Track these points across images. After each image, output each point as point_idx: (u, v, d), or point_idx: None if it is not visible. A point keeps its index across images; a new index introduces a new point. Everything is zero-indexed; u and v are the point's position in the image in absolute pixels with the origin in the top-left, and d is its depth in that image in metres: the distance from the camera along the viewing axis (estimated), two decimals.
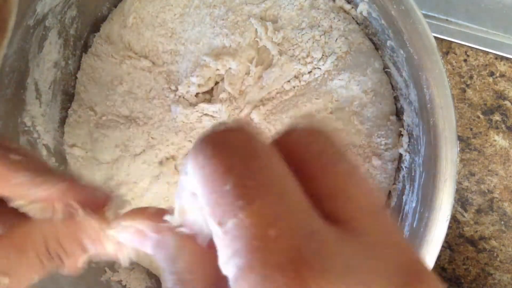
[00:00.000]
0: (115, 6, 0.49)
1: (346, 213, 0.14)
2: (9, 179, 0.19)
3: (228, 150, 0.14)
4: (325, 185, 0.14)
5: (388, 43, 0.41)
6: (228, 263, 0.13)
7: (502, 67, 0.51)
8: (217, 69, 0.45)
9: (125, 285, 0.45)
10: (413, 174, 0.40)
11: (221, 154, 0.14)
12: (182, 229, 0.16)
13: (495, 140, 0.51)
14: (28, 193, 0.20)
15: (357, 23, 0.45)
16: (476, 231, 0.52)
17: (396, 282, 0.13)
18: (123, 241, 0.20)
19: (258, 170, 0.13)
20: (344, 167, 0.15)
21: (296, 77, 0.44)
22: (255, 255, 0.12)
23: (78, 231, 0.20)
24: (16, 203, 0.20)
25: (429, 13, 0.51)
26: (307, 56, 0.44)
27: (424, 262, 0.14)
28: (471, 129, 0.52)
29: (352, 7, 0.45)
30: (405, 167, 0.42)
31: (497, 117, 0.51)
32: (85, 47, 0.49)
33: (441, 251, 0.35)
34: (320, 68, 0.44)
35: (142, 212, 0.19)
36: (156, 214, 0.18)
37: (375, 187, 0.17)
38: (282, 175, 0.14)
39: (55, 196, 0.20)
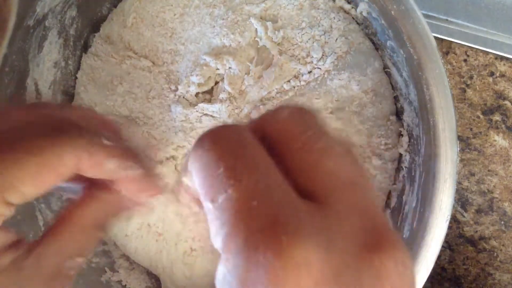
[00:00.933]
0: (115, 6, 0.49)
1: (317, 187, 0.16)
2: (103, 165, 0.22)
3: (221, 142, 0.17)
4: (301, 162, 0.17)
5: (388, 43, 0.41)
6: (217, 234, 0.15)
7: (502, 67, 0.51)
8: (217, 69, 0.45)
9: (125, 285, 0.45)
10: (413, 174, 0.40)
11: (215, 146, 0.17)
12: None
13: (495, 140, 0.51)
14: (115, 176, 0.23)
15: (357, 23, 0.45)
16: (476, 231, 0.52)
17: (360, 240, 0.15)
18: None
19: (244, 157, 0.16)
20: (320, 145, 0.17)
21: (296, 77, 0.44)
22: (240, 221, 0.15)
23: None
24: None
25: (429, 13, 0.51)
26: (307, 56, 0.44)
27: (389, 226, 0.16)
28: (471, 129, 0.52)
29: (352, 7, 0.45)
30: (405, 167, 0.42)
31: (497, 117, 0.51)
32: (85, 47, 0.49)
33: (441, 251, 0.35)
34: (320, 68, 0.44)
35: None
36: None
37: (355, 162, 0.19)
38: (264, 160, 0.17)
39: (131, 181, 0.23)
